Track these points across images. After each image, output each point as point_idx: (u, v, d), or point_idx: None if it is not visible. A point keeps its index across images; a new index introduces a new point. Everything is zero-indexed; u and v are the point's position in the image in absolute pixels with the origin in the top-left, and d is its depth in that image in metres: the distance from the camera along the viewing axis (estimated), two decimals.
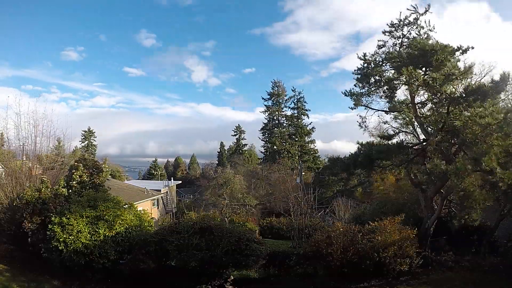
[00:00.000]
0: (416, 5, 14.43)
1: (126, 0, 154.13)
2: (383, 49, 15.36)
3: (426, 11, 14.52)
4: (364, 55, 15.34)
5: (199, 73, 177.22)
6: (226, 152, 75.09)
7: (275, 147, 58.99)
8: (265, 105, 62.74)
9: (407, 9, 14.65)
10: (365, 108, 15.80)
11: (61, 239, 11.90)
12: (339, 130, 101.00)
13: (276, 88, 62.63)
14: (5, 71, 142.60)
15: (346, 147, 65.07)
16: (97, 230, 12.54)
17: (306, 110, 61.98)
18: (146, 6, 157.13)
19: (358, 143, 15.70)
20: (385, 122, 17.29)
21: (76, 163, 15.86)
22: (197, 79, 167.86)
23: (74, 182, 15.31)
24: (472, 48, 13.18)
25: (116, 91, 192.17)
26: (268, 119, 62.62)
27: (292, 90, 62.85)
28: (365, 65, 15.21)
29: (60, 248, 11.89)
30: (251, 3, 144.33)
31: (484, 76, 14.08)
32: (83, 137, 67.18)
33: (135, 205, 16.47)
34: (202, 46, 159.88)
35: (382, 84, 14.73)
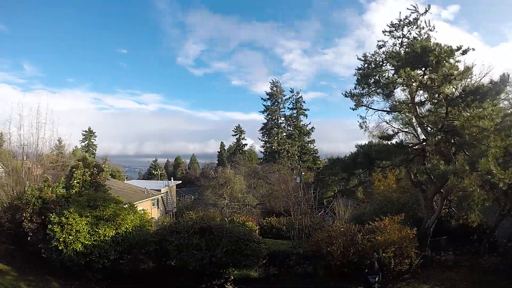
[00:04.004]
0: (416, 4, 14.40)
1: None
2: (383, 49, 15.36)
3: (426, 11, 14.51)
4: (365, 55, 15.34)
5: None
6: (226, 152, 75.16)
7: (274, 147, 59.08)
8: (264, 106, 62.94)
9: (407, 8, 14.65)
10: (366, 108, 15.80)
11: (60, 239, 11.88)
12: None
13: (275, 89, 62.73)
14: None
15: None
16: (97, 230, 12.51)
17: (305, 110, 62.10)
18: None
19: (357, 143, 15.74)
20: (386, 122, 17.34)
21: (77, 163, 15.85)
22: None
23: (75, 181, 15.20)
24: (473, 49, 13.13)
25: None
26: (267, 119, 62.76)
27: (291, 91, 63.20)
28: (365, 65, 15.20)
29: (60, 248, 11.87)
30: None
31: (484, 76, 14.10)
32: (84, 137, 67.21)
33: (135, 205, 16.46)
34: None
35: (382, 84, 14.73)
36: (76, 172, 15.39)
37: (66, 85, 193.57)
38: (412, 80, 12.67)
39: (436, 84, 12.84)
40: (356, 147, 15.65)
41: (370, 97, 15.41)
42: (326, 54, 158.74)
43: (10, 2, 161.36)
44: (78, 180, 15.26)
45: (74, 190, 14.84)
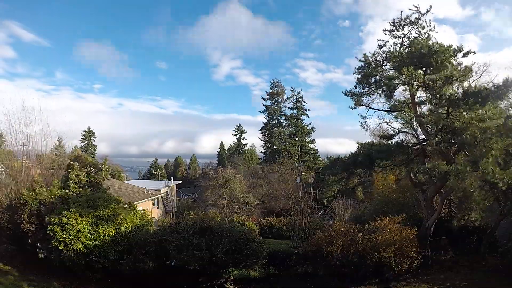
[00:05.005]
0: (418, 5, 14.31)
1: None
2: (384, 48, 15.30)
3: (427, 11, 14.42)
4: (365, 55, 15.28)
5: None
6: (226, 152, 75.09)
7: (274, 147, 58.99)
8: (265, 105, 62.71)
9: (409, 9, 14.58)
10: (366, 108, 15.77)
11: (61, 239, 11.89)
12: None
13: (276, 88, 62.52)
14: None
15: None
16: (97, 230, 12.52)
17: (306, 110, 61.78)
18: None
19: (358, 143, 15.71)
20: (386, 122, 17.35)
21: (71, 162, 15.48)
22: None
23: (71, 182, 14.94)
24: (474, 53, 13.11)
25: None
26: (267, 119, 62.55)
27: (291, 90, 62.55)
28: (366, 65, 15.16)
29: (60, 248, 11.88)
30: None
31: (480, 75, 14.08)
32: (83, 136, 67.16)
33: (135, 205, 16.46)
34: None
35: (382, 84, 14.68)
36: (71, 172, 15.12)
37: (92, 91, 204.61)
38: (414, 79, 12.61)
39: (438, 84, 12.79)
40: (357, 143, 15.65)
41: (370, 96, 15.38)
42: (337, 73, 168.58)
43: (52, 15, 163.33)
44: (75, 180, 15.03)
45: (71, 191, 14.68)
